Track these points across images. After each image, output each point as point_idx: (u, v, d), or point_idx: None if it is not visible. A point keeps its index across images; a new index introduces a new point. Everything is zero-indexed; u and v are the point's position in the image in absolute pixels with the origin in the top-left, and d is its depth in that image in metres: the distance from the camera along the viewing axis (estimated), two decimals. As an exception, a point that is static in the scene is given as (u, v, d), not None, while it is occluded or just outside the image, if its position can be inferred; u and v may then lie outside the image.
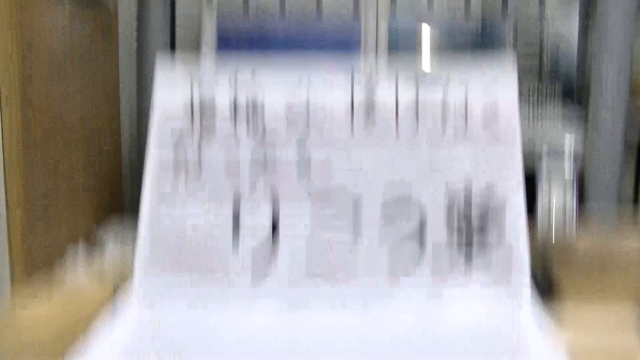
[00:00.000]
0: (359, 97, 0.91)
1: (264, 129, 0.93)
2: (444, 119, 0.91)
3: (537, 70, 2.22)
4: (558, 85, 2.24)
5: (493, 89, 0.91)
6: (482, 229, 0.85)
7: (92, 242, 1.93)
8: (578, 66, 2.25)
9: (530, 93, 2.19)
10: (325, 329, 0.84)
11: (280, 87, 0.92)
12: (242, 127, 0.93)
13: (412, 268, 0.86)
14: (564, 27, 2.22)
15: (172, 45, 2.24)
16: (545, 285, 0.87)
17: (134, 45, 2.23)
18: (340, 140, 0.92)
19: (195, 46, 2.18)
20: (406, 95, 0.91)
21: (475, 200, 0.87)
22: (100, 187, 2.13)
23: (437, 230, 0.86)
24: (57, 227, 1.87)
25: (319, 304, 0.88)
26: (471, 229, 0.86)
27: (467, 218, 0.87)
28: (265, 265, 0.89)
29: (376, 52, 2.12)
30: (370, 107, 0.90)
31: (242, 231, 0.89)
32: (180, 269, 0.89)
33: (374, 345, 0.81)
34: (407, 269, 0.87)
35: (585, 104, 2.11)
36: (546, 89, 2.23)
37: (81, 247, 1.92)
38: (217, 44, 2.13)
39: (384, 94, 0.91)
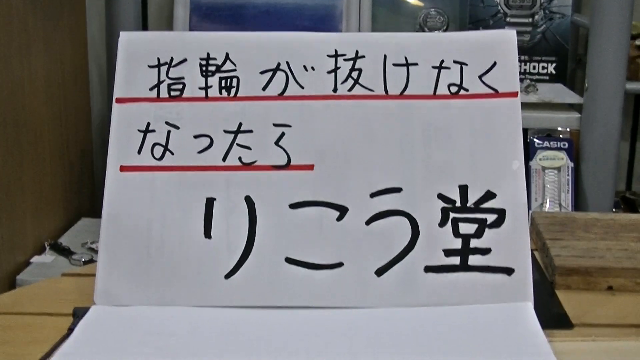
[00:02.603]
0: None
1: (236, 93, 0.84)
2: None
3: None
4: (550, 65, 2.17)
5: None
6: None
7: (59, 248, 1.83)
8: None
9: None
10: (308, 322, 0.77)
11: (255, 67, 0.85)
12: (214, 93, 0.84)
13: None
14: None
15: (145, 26, 2.15)
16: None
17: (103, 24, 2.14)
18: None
19: (168, 25, 2.09)
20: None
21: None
22: (69, 187, 2.03)
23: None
24: (21, 234, 1.78)
25: (299, 294, 0.78)
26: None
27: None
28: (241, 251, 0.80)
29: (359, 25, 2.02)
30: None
31: (215, 212, 0.80)
32: (146, 264, 0.80)
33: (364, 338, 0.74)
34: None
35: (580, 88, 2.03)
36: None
37: (47, 254, 1.83)
38: (190, 24, 2.04)
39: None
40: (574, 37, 2.22)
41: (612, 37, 1.85)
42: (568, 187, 1.90)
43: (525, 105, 2.10)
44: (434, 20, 2.15)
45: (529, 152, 1.92)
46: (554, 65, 2.19)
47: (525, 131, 1.94)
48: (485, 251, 0.79)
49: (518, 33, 2.18)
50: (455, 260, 0.79)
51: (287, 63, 0.84)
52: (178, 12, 2.05)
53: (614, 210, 1.99)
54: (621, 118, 1.89)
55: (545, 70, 2.19)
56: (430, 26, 2.15)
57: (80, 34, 2.12)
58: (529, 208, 1.89)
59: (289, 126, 0.83)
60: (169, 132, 0.83)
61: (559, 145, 1.93)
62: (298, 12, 2.06)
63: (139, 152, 0.83)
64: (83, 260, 1.74)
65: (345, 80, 0.84)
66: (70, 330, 0.75)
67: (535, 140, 1.95)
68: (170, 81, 0.85)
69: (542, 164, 1.91)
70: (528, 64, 2.19)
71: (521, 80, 2.06)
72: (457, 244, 0.79)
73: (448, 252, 0.79)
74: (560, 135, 1.96)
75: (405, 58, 0.84)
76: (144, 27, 2.15)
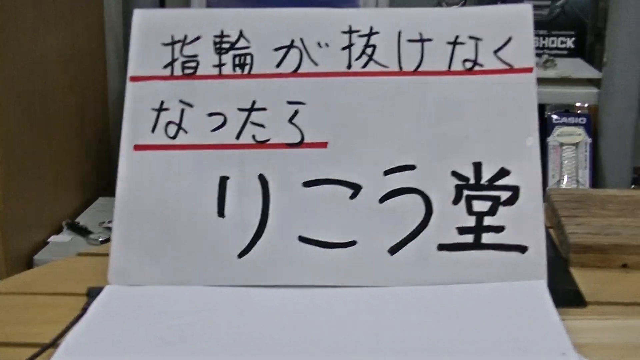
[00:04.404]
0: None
1: (250, 71, 0.84)
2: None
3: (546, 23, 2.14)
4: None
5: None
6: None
7: (76, 228, 1.84)
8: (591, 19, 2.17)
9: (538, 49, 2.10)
10: (321, 301, 0.77)
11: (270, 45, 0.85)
12: (228, 70, 0.84)
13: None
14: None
15: (162, 2, 2.14)
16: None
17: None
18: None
19: (186, 1, 2.08)
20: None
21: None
22: (86, 166, 2.03)
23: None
24: (39, 213, 1.78)
25: (312, 272, 0.79)
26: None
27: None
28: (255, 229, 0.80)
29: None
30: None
31: (228, 191, 0.80)
32: (160, 243, 0.81)
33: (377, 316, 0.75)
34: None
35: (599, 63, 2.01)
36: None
37: (65, 234, 1.83)
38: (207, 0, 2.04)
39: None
40: (593, 10, 2.20)
41: (632, 11, 1.83)
42: (586, 163, 1.89)
43: (543, 81, 2.09)
44: (451, -5, 2.14)
45: (547, 128, 1.91)
46: (573, 39, 2.17)
47: (543, 107, 1.94)
48: (499, 229, 0.78)
49: (537, 7, 2.17)
50: (469, 238, 0.78)
51: (301, 39, 0.84)
52: (195, -12, 2.05)
53: (632, 186, 1.98)
54: (640, 93, 1.88)
55: (564, 45, 2.17)
56: (448, 1, 2.14)
57: (97, 9, 2.12)
58: (546, 184, 1.89)
59: (303, 103, 0.82)
60: (182, 110, 0.83)
61: (577, 121, 1.92)
62: (315, -13, 2.05)
63: (153, 130, 0.83)
64: (100, 239, 1.75)
65: (360, 56, 0.83)
66: (84, 310, 0.75)
67: (553, 116, 1.94)
68: (184, 59, 0.85)
69: (559, 139, 1.91)
70: (547, 38, 2.17)
71: (539, 55, 2.05)
72: (471, 221, 0.79)
73: (462, 230, 0.79)
74: (579, 111, 1.95)
75: (420, 34, 0.84)
76: (161, 4, 2.15)
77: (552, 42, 2.17)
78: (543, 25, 2.15)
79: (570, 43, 2.17)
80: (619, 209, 0.96)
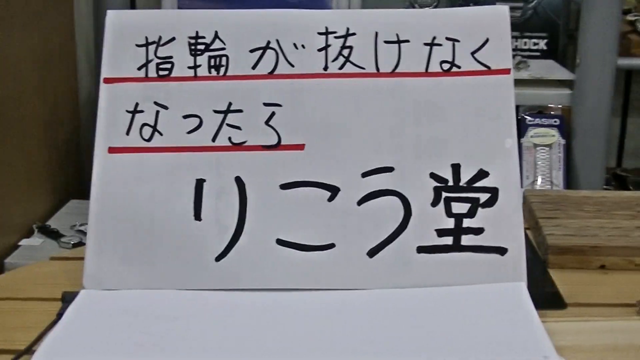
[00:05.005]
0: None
1: (225, 73, 0.83)
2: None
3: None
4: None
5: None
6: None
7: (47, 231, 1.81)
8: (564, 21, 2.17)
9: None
10: (299, 304, 0.76)
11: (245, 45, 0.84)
12: (203, 72, 0.83)
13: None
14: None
15: (132, 4, 2.13)
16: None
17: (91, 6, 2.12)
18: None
19: (157, 3, 2.06)
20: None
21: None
22: (57, 168, 2.01)
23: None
24: (9, 217, 1.76)
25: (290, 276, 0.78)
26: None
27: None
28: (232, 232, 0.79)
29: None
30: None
31: (205, 193, 0.79)
32: (135, 247, 0.79)
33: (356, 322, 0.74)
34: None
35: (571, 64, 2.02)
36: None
37: (36, 237, 1.81)
38: (179, 2, 2.02)
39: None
40: (565, 12, 2.21)
41: (604, 12, 1.84)
42: (559, 164, 1.90)
43: (516, 82, 2.08)
44: (424, -4, 2.14)
45: (520, 129, 1.91)
46: (545, 41, 2.17)
47: (516, 108, 1.94)
48: (478, 231, 0.78)
49: (509, 9, 2.17)
50: (448, 240, 0.78)
51: (277, 41, 0.83)
52: (167, -11, 2.03)
53: (605, 187, 1.99)
54: (612, 94, 1.88)
55: (536, 47, 2.18)
56: (420, 3, 2.13)
57: (67, 10, 2.10)
58: (521, 186, 1.89)
59: (280, 105, 0.82)
60: (157, 112, 0.82)
61: (550, 122, 1.93)
62: (288, -11, 2.04)
63: (128, 133, 0.82)
64: (72, 242, 1.73)
65: (336, 58, 0.83)
66: (59, 315, 0.74)
67: (526, 117, 1.94)
68: (159, 60, 0.84)
69: (533, 141, 1.91)
70: (519, 40, 2.18)
71: (512, 56, 2.05)
72: (450, 223, 0.78)
73: (441, 232, 0.78)
74: (552, 112, 1.96)
75: (397, 35, 0.83)
76: (132, 5, 2.13)
77: (525, 44, 2.18)
78: (515, 27, 2.15)
79: (542, 45, 2.17)
80: (595, 210, 0.96)
